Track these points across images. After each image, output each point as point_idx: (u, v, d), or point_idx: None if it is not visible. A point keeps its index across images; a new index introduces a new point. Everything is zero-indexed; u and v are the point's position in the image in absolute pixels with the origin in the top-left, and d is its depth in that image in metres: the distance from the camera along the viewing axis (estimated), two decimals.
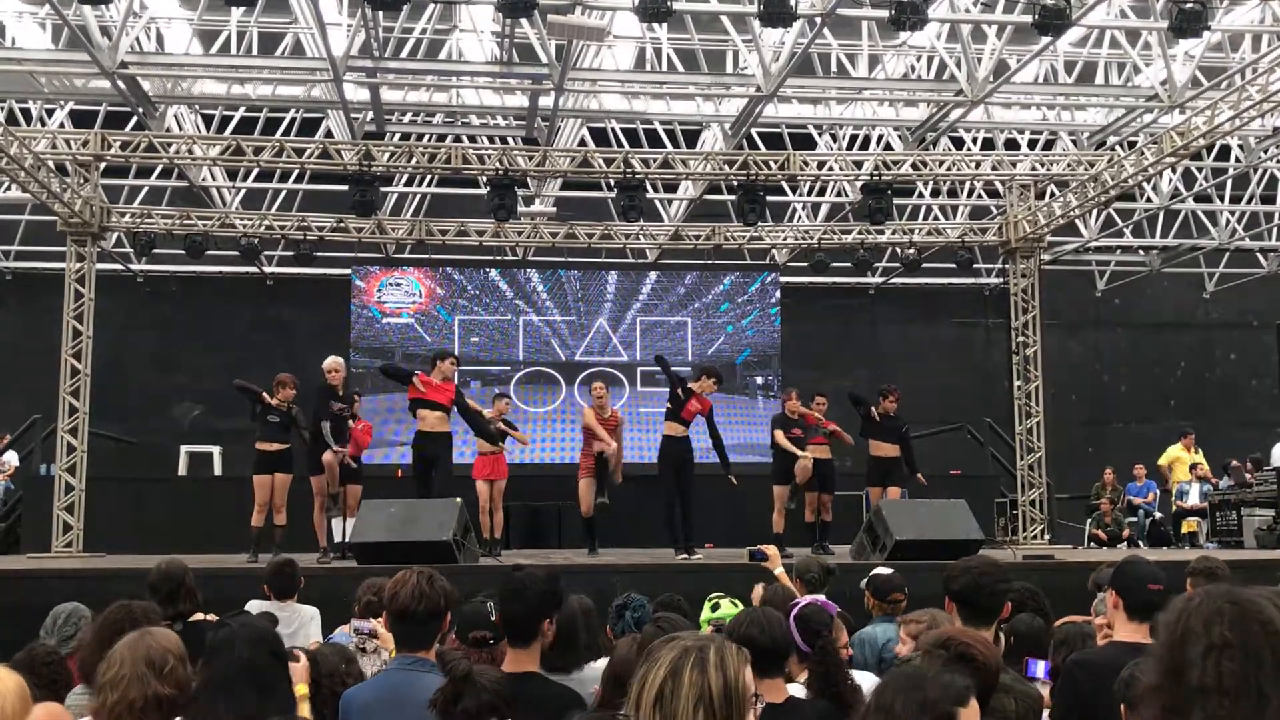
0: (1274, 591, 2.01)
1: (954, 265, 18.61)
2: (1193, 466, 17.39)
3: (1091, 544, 16.87)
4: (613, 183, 15.21)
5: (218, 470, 18.44)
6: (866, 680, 4.39)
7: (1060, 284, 21.41)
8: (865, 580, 6.15)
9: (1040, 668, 4.26)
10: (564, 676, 4.06)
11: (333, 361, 11.94)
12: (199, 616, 5.48)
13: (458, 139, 17.38)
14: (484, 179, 15.33)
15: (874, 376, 21.92)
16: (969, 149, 18.18)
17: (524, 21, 13.20)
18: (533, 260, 20.26)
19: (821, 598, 5.17)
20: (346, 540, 11.61)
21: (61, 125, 16.63)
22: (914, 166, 15.67)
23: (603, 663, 4.55)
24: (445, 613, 3.82)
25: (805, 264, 19.37)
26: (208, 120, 17.78)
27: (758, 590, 6.31)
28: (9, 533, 16.14)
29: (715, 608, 5.07)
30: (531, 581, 3.93)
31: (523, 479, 15.67)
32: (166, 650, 3.47)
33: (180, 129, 16.85)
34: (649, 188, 16.87)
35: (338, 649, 4.36)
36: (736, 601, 5.12)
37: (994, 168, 16.08)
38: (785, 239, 18.82)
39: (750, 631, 3.59)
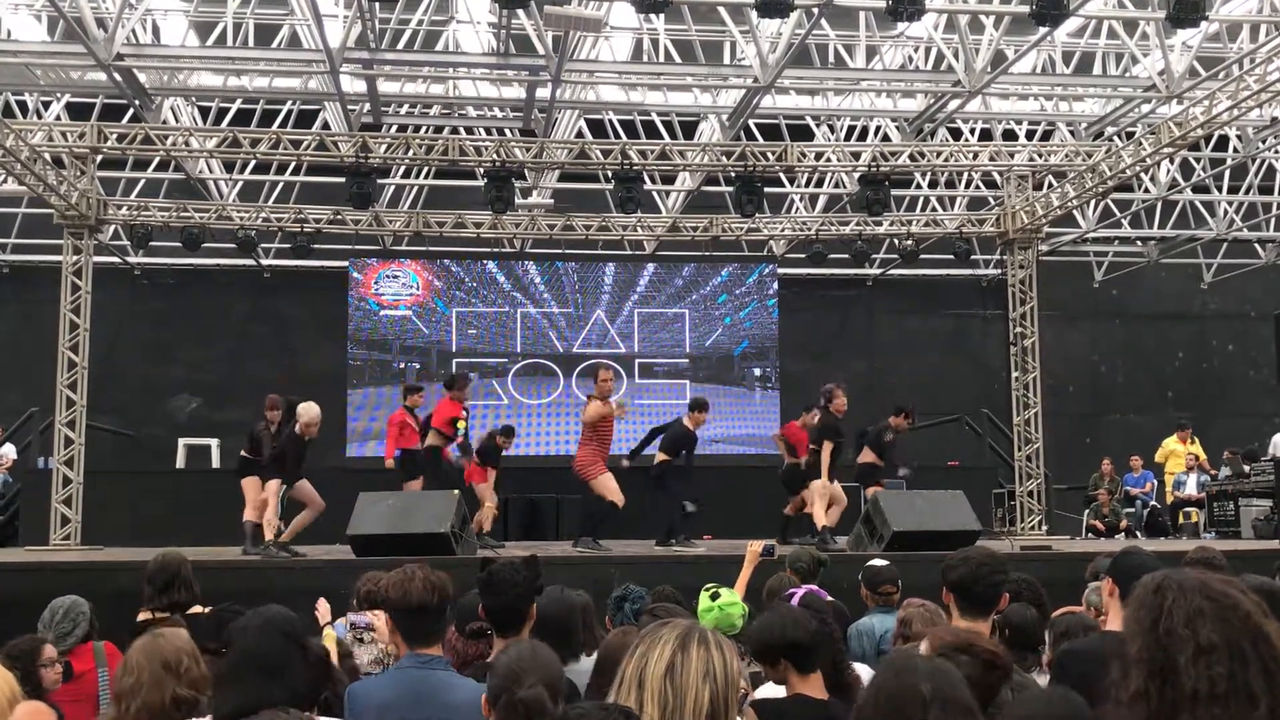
0: (1255, 582, 1.97)
1: (952, 256, 18.61)
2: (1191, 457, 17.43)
3: (1089, 535, 16.90)
4: (610, 174, 15.20)
5: (215, 463, 18.44)
6: (865, 672, 4.40)
7: (1058, 275, 21.41)
8: (861, 572, 6.20)
9: None
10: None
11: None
12: (196, 610, 5.49)
13: (455, 131, 17.34)
14: (481, 171, 15.32)
15: (872, 368, 22.00)
16: (967, 140, 18.15)
17: (520, 13, 13.17)
18: (530, 252, 20.25)
19: (814, 587, 5.17)
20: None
21: (58, 118, 16.59)
22: (912, 157, 15.66)
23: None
24: (448, 604, 3.82)
25: (803, 255, 19.38)
26: (204, 112, 17.75)
27: (742, 579, 6.32)
28: (7, 526, 16.14)
29: (715, 596, 5.07)
30: (512, 571, 3.95)
31: (520, 471, 15.70)
32: (180, 650, 3.50)
33: (177, 121, 16.81)
34: (646, 179, 16.86)
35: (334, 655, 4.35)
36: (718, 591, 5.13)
37: (992, 159, 16.07)
38: (783, 230, 18.81)
39: (791, 633, 3.60)
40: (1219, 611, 1.87)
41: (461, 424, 12.63)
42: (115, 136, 14.42)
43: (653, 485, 11.97)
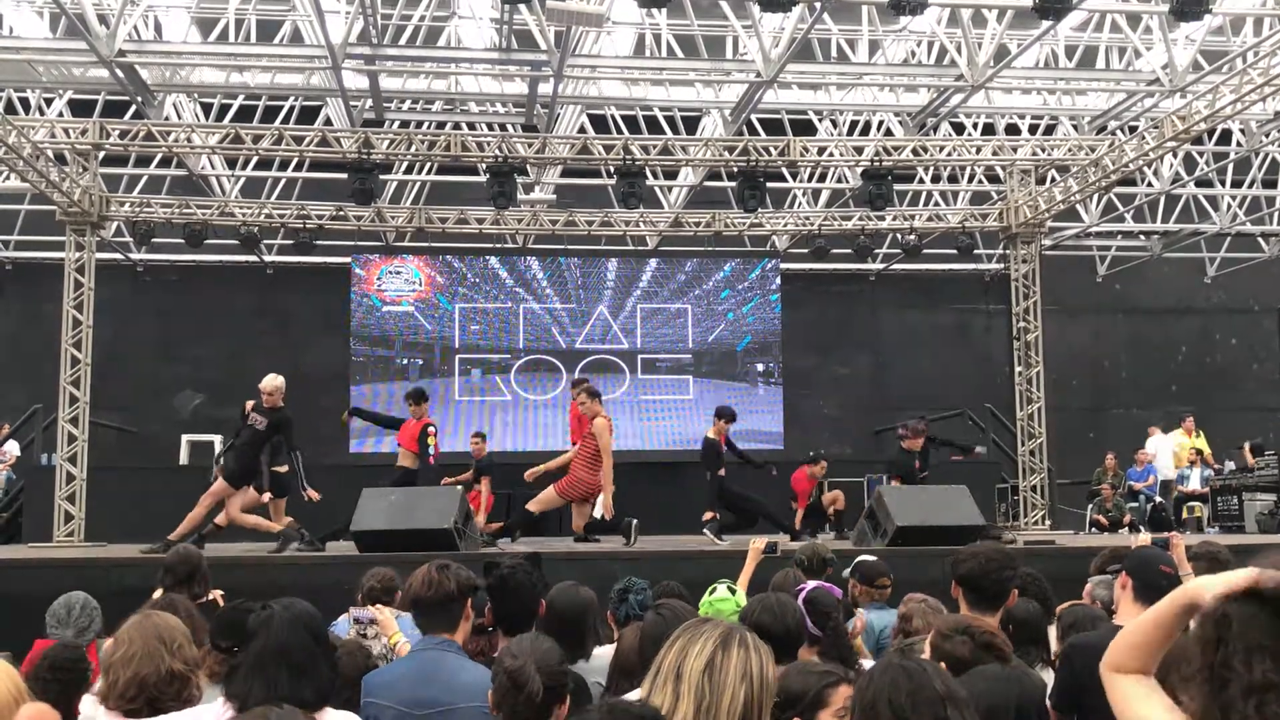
0: None
1: (955, 251, 18.59)
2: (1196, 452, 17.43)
3: (1093, 529, 16.88)
4: (612, 169, 15.19)
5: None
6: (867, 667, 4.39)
7: (1061, 269, 21.39)
8: (850, 568, 6.13)
9: None
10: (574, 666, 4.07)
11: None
12: (210, 596, 5.59)
13: (457, 126, 17.34)
14: (483, 166, 15.31)
15: (875, 363, 22.01)
16: (969, 134, 18.13)
17: (522, 8, 13.16)
18: (533, 248, 20.23)
19: (824, 583, 5.16)
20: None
21: (60, 114, 16.58)
22: (914, 152, 15.64)
23: (606, 651, 4.55)
24: (461, 598, 3.87)
25: (806, 250, 19.35)
26: (206, 109, 17.74)
27: (745, 575, 6.32)
28: (11, 522, 16.15)
29: (713, 591, 5.06)
30: (524, 574, 3.99)
31: (523, 467, 15.67)
32: (175, 629, 3.51)
33: (179, 117, 16.82)
34: (649, 174, 16.84)
35: (355, 645, 4.40)
36: (734, 587, 5.11)
37: (995, 153, 16.04)
38: (786, 225, 18.80)
39: (763, 618, 3.58)
40: None
41: (431, 440, 12.31)
42: (117, 133, 14.43)
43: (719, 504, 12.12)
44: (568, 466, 11.87)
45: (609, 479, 11.32)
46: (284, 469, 11.16)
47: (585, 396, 11.67)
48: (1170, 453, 17.86)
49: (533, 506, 11.85)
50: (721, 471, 12.24)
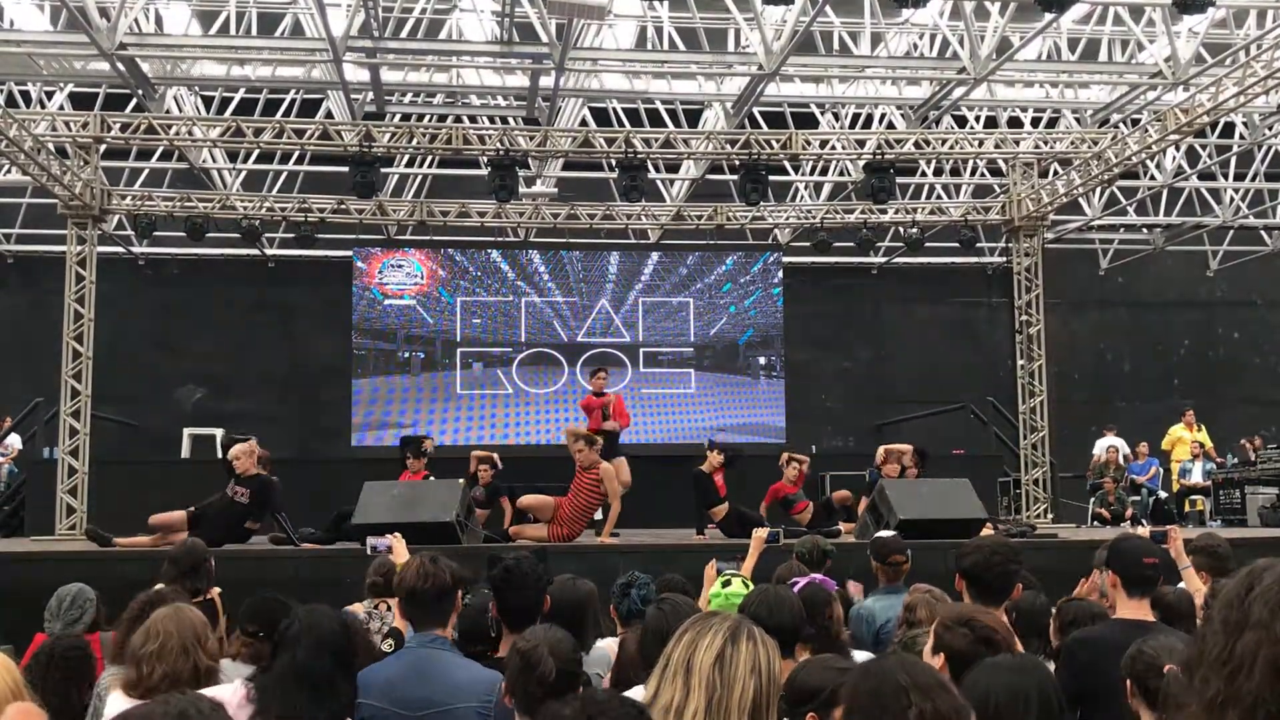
0: None
1: (957, 244, 18.56)
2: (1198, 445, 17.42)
3: (1095, 523, 16.88)
4: (614, 163, 15.17)
5: (220, 453, 18.43)
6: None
7: (1063, 262, 21.36)
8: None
9: None
10: None
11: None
12: (209, 594, 5.62)
13: (458, 119, 17.31)
14: (485, 159, 15.28)
15: (877, 357, 22.00)
16: (972, 127, 18.08)
17: (524, 0, 13.12)
18: (534, 241, 20.22)
19: (820, 576, 5.16)
20: None
21: (61, 107, 16.57)
22: (917, 145, 15.61)
23: (606, 643, 4.55)
24: (454, 591, 3.87)
25: (808, 244, 19.33)
26: (207, 102, 17.72)
27: (748, 564, 6.32)
28: (13, 516, 16.16)
29: (727, 583, 5.05)
30: (531, 566, 4.02)
31: (525, 461, 15.71)
32: (205, 624, 3.64)
33: (180, 111, 16.79)
34: (650, 168, 16.80)
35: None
36: (747, 580, 5.10)
37: (997, 146, 16.01)
38: (788, 219, 18.77)
39: (759, 611, 3.57)
40: None
41: None
42: (119, 126, 14.41)
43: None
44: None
45: (616, 511, 11.41)
46: (256, 525, 11.20)
47: (583, 445, 11.48)
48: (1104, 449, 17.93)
49: (514, 533, 11.62)
50: (723, 508, 12.20)
